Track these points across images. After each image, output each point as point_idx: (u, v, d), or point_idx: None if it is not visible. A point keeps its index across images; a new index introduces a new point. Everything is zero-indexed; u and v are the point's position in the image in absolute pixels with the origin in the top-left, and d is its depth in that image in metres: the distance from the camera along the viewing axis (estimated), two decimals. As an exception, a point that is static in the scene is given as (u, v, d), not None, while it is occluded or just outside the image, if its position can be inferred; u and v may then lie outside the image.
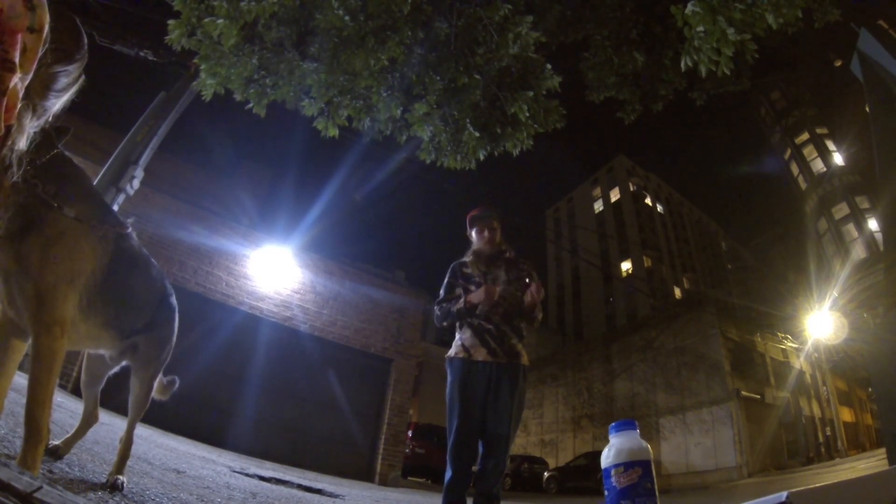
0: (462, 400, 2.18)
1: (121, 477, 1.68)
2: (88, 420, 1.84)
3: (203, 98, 4.40)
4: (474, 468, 2.17)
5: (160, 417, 5.81)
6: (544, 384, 24.46)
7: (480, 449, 2.18)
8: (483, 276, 2.42)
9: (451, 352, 2.34)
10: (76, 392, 4.89)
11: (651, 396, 19.18)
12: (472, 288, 2.38)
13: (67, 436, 1.81)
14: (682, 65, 3.29)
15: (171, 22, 4.03)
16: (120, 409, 1.95)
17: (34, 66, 1.31)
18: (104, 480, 1.67)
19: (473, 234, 2.58)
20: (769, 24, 2.99)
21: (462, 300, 2.33)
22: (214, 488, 2.47)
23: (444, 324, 2.39)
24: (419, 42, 4.29)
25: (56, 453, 1.72)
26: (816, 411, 17.57)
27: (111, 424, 3.16)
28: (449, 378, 2.29)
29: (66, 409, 3.21)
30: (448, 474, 2.11)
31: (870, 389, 17.65)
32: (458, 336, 2.37)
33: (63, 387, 5.24)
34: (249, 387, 7.33)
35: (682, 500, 9.98)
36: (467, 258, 2.53)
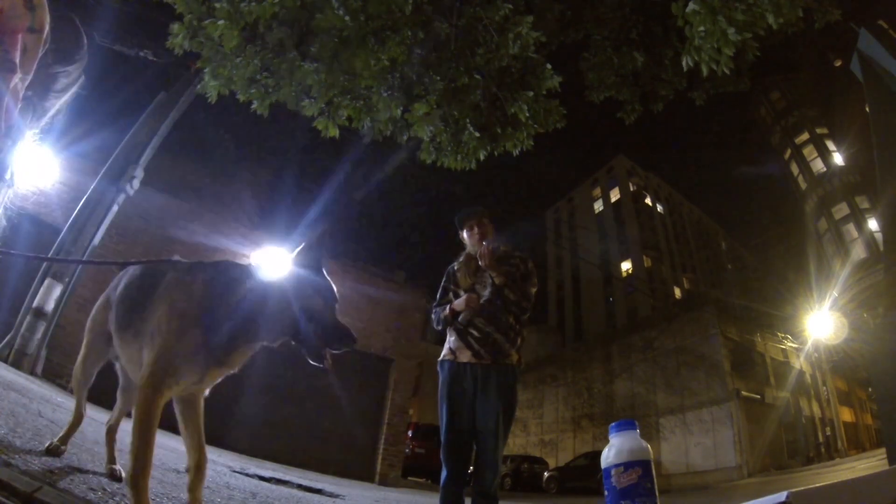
0: (450, 400, 2.23)
1: (117, 467, 1.77)
2: (82, 417, 1.88)
3: (208, 100, 4.41)
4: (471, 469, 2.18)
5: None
6: (544, 384, 24.46)
7: (476, 450, 2.21)
8: (471, 285, 2.42)
9: (441, 355, 2.39)
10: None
11: (651, 396, 19.17)
12: (461, 293, 2.41)
13: (62, 433, 1.82)
14: (683, 64, 3.29)
15: (173, 25, 4.04)
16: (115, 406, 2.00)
17: (34, 67, 1.31)
18: (104, 480, 1.68)
19: (464, 234, 2.58)
20: (770, 24, 2.99)
21: (448, 307, 2.38)
22: (214, 488, 2.47)
23: (439, 328, 2.45)
24: (419, 42, 4.29)
25: (56, 452, 1.72)
26: (816, 411, 17.56)
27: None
28: (440, 381, 2.33)
29: (66, 409, 3.21)
30: (443, 474, 2.14)
31: (870, 389, 17.65)
32: (447, 339, 2.41)
33: (63, 387, 5.25)
34: (249, 387, 7.33)
35: (682, 500, 9.98)
36: (458, 262, 2.54)
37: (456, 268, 2.54)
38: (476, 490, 2.13)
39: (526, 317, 2.38)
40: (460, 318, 2.33)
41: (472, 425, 2.19)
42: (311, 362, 1.46)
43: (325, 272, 1.58)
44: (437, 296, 2.54)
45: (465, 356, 2.27)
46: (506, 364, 2.26)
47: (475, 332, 2.29)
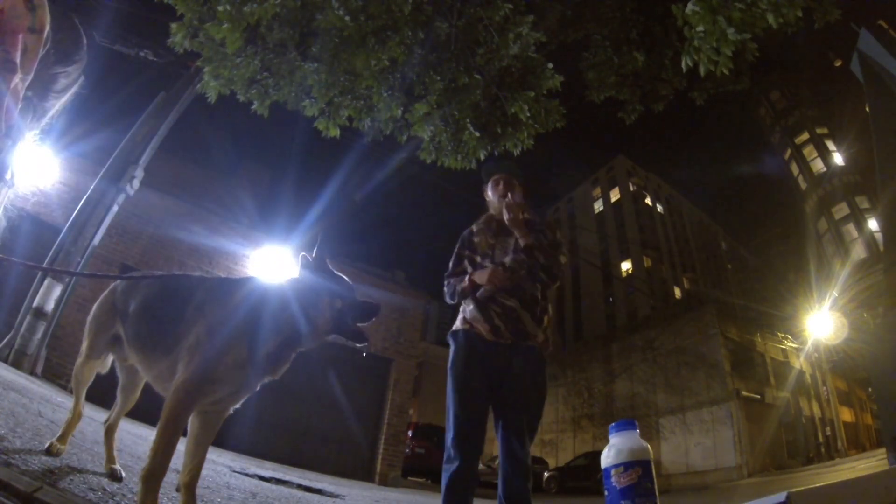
0: (466, 370, 1.90)
1: (117, 467, 1.78)
2: (80, 415, 1.89)
3: (208, 100, 4.41)
4: (486, 464, 2.03)
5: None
6: (544, 384, 24.41)
7: (501, 451, 1.87)
8: (492, 248, 2.08)
9: (454, 326, 2.07)
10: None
11: (651, 396, 19.18)
12: (478, 259, 2.09)
13: (61, 431, 1.82)
14: (683, 65, 3.29)
15: (173, 25, 4.04)
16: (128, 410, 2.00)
17: (34, 67, 1.31)
18: (104, 480, 1.68)
19: (488, 190, 2.21)
20: (769, 23, 2.99)
21: (466, 278, 2.04)
22: (214, 488, 2.47)
23: (452, 302, 2.11)
24: (420, 42, 4.29)
25: (55, 452, 1.72)
26: (816, 411, 17.56)
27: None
28: (451, 354, 2.00)
29: (66, 409, 3.20)
30: (454, 465, 1.76)
31: (870, 389, 17.65)
32: (461, 308, 2.08)
33: (63, 387, 5.24)
34: (249, 387, 7.32)
35: (682, 500, 9.98)
36: (476, 225, 2.19)
37: (474, 230, 2.18)
38: (506, 495, 1.77)
39: (554, 286, 2.05)
40: (479, 294, 1.99)
41: (488, 405, 1.90)
42: (357, 345, 1.57)
43: (331, 267, 1.66)
44: (450, 264, 2.17)
45: (483, 329, 1.94)
46: (529, 346, 1.93)
47: (496, 307, 1.96)
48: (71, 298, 5.74)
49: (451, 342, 2.03)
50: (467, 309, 2.04)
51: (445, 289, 2.14)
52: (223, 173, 16.25)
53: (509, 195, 2.07)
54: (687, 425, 17.29)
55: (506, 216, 2.01)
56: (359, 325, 1.58)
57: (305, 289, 1.57)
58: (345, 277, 1.63)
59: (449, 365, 1.96)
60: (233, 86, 4.35)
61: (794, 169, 21.55)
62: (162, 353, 1.53)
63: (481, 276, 1.97)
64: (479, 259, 2.09)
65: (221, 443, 6.50)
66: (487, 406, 1.89)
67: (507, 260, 2.01)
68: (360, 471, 8.21)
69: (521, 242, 1.98)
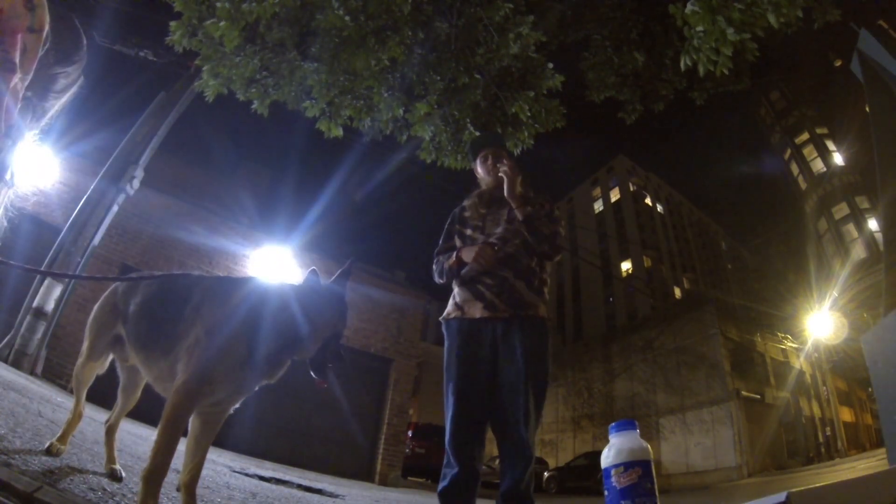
0: (460, 368, 1.75)
1: (117, 467, 1.77)
2: (81, 415, 1.89)
3: (206, 99, 4.41)
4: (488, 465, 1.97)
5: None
6: (544, 384, 24.41)
7: (498, 437, 1.72)
8: (482, 218, 1.97)
9: (447, 311, 1.91)
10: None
11: (651, 396, 19.18)
12: (468, 231, 1.98)
13: (61, 432, 1.81)
14: (682, 65, 3.29)
15: (172, 23, 4.04)
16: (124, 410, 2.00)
17: (34, 67, 1.31)
18: (104, 480, 1.68)
19: (478, 166, 2.15)
20: (769, 23, 2.99)
21: (454, 254, 1.92)
22: (214, 488, 2.47)
23: (441, 281, 1.99)
24: (420, 42, 4.30)
25: (55, 452, 1.72)
26: (816, 411, 17.56)
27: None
28: (445, 347, 1.85)
29: (66, 409, 3.21)
30: (451, 472, 1.64)
31: (870, 389, 17.64)
32: (453, 289, 1.95)
33: (63, 387, 5.24)
34: (249, 387, 7.32)
35: (682, 500, 9.97)
36: (468, 200, 2.10)
37: (465, 205, 2.07)
38: (504, 489, 1.62)
39: (556, 258, 1.92)
40: (464, 271, 1.86)
41: (489, 402, 1.72)
42: (314, 375, 1.52)
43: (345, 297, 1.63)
44: (440, 241, 2.06)
45: (476, 310, 1.79)
46: (530, 316, 1.77)
47: (487, 279, 1.81)
48: (71, 298, 5.74)
49: (444, 330, 1.89)
50: (456, 291, 1.92)
51: (434, 266, 2.02)
52: (223, 173, 16.26)
53: (502, 165, 1.97)
54: (687, 425, 17.29)
55: (506, 184, 1.89)
56: (328, 363, 1.53)
57: (313, 295, 1.54)
58: (347, 311, 1.61)
59: (444, 360, 1.82)
60: (232, 85, 4.35)
61: (794, 169, 21.55)
62: (161, 353, 1.53)
63: (468, 254, 1.85)
64: (468, 231, 1.98)
65: (221, 443, 6.50)
66: (489, 402, 1.75)
67: (499, 230, 1.89)
68: (360, 471, 8.21)
69: (520, 215, 1.85)
